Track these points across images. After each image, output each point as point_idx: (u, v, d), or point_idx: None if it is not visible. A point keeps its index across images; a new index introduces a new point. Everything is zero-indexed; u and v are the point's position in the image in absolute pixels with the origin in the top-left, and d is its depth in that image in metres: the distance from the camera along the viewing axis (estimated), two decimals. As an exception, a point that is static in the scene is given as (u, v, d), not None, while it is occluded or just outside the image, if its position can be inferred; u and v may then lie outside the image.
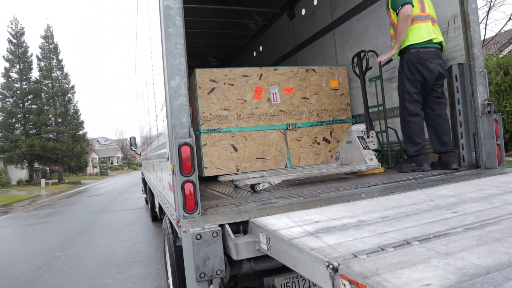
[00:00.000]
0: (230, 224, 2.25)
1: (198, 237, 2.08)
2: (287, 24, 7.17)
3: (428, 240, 1.51)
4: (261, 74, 5.06)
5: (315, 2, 6.19)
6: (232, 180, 3.47)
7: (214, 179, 4.64)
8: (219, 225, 2.20)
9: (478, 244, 1.41)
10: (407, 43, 3.73)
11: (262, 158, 5.02)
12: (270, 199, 2.94)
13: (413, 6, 3.64)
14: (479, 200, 2.16)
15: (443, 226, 1.70)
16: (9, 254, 7.08)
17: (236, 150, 4.91)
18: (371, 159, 3.88)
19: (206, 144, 4.80)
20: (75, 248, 7.07)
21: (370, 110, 4.97)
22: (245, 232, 2.27)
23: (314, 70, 5.28)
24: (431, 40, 3.69)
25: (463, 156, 3.82)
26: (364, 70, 4.50)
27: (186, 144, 2.49)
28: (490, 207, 1.98)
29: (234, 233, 2.25)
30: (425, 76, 3.70)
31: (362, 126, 4.19)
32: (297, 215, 2.21)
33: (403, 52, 3.79)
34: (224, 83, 4.90)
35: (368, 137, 4.20)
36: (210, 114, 4.84)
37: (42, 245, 7.60)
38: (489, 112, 3.58)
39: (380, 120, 4.76)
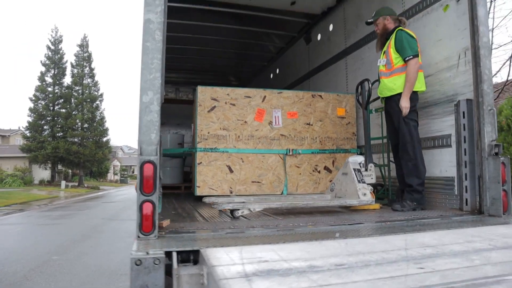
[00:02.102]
0: (180, 252, 2.09)
1: (138, 262, 1.93)
2: (303, 48, 7.08)
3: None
4: (265, 96, 4.95)
5: (331, 28, 6.08)
6: (212, 204, 3.31)
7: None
8: (167, 252, 2.04)
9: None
10: (416, 89, 3.79)
11: (258, 182, 4.84)
12: (242, 227, 2.76)
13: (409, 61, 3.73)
14: (459, 255, 1.91)
15: (397, 285, 1.48)
16: (9, 252, 7.16)
17: (231, 171, 4.76)
18: (365, 194, 3.63)
19: (201, 162, 4.68)
20: (73, 253, 7.07)
21: (373, 142, 4.73)
22: (195, 263, 2.10)
23: (320, 96, 5.11)
24: None
25: (466, 199, 3.51)
26: (367, 99, 4.29)
27: (149, 162, 2.37)
28: (467, 265, 1.74)
29: (184, 262, 2.09)
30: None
31: (360, 158, 3.95)
32: (251, 250, 2.03)
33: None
34: (226, 102, 4.81)
35: (366, 170, 3.95)
36: (208, 133, 4.74)
37: (43, 246, 7.66)
38: (496, 154, 3.28)
39: (384, 153, 4.50)
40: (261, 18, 6.70)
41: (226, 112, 4.80)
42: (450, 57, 3.83)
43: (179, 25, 6.97)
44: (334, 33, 6.00)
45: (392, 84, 3.84)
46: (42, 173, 33.69)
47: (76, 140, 32.94)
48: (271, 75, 8.74)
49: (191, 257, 2.09)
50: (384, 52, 3.98)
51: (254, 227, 2.75)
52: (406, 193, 3.72)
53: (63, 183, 31.01)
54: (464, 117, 3.56)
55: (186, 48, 8.24)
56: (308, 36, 6.83)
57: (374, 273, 1.62)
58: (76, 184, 33.49)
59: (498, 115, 9.40)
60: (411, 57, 3.67)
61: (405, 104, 3.69)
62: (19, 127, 34.89)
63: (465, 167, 3.53)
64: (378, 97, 4.51)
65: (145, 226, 2.33)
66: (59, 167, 34.78)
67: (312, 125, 5.04)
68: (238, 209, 3.23)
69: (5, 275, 5.58)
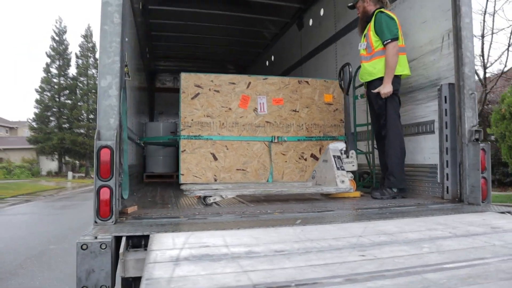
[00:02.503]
0: (131, 237, 2.06)
1: (84, 247, 1.91)
2: (296, 34, 6.95)
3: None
4: (250, 83, 4.87)
5: (322, 13, 5.94)
6: (184, 190, 3.28)
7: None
8: (118, 237, 2.02)
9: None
10: (398, 72, 3.66)
11: (243, 170, 4.80)
12: (207, 213, 2.73)
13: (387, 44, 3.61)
14: (411, 243, 1.84)
15: (326, 272, 1.43)
16: (8, 241, 7.28)
17: (216, 159, 4.72)
18: (343, 182, 3.55)
19: (185, 150, 4.65)
20: (70, 242, 7.13)
21: (360, 129, 4.64)
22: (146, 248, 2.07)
23: (307, 82, 5.01)
24: None
25: (447, 187, 3.42)
26: (348, 84, 4.18)
27: (106, 146, 2.34)
28: (412, 253, 1.68)
29: (136, 247, 2.06)
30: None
31: (341, 145, 3.87)
32: (201, 235, 1.99)
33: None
34: (210, 89, 4.75)
35: (347, 157, 3.87)
36: (192, 120, 4.69)
37: (42, 236, 7.76)
38: (476, 140, 3.17)
39: (369, 140, 4.41)
40: (254, 3, 6.58)
41: (210, 99, 4.74)
42: (434, 40, 3.70)
43: (175, 12, 6.89)
44: (325, 18, 5.86)
45: (372, 68, 3.73)
46: (49, 164, 34.18)
47: (82, 131, 33.23)
48: (267, 63, 8.62)
49: (142, 242, 2.06)
50: (364, 36, 3.87)
51: (220, 214, 2.71)
52: (386, 180, 3.64)
53: (70, 174, 31.41)
54: (446, 102, 3.44)
55: (183, 36, 8.17)
56: (300, 22, 6.69)
57: (310, 260, 1.56)
58: (83, 175, 33.92)
59: (501, 102, 9.16)
60: (389, 40, 3.55)
61: (385, 89, 3.58)
62: (27, 119, 35.21)
63: (447, 154, 3.43)
64: (362, 85, 4.41)
65: (102, 211, 2.31)
66: (66, 158, 35.22)
67: (298, 111, 4.95)
68: (210, 196, 3.20)
69: (2, 263, 5.68)
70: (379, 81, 3.65)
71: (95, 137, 2.36)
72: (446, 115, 3.44)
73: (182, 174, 4.64)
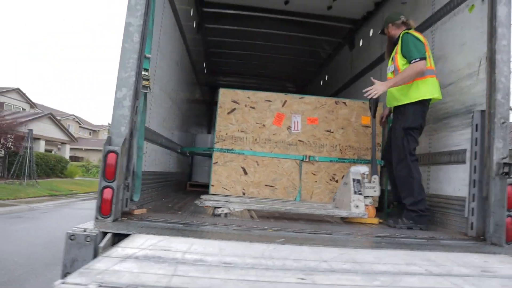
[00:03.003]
0: (117, 234, 2.27)
1: (72, 237, 2.15)
2: (347, 54, 6.86)
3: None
4: (285, 101, 4.95)
5: (371, 33, 5.83)
6: (200, 200, 3.45)
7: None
8: (105, 232, 2.24)
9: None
10: (428, 96, 3.51)
11: (272, 186, 4.86)
12: (204, 223, 2.86)
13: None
14: (367, 274, 1.78)
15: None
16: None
17: (246, 173, 4.85)
18: (357, 206, 3.44)
19: (217, 162, 4.86)
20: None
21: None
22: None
23: (344, 103, 4.95)
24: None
25: (472, 223, 3.12)
26: (374, 107, 4.04)
27: (112, 151, 2.61)
28: (359, 284, 1.62)
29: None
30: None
31: (364, 169, 3.75)
32: (172, 240, 2.15)
33: (417, 103, 3.50)
34: (246, 105, 4.93)
35: (369, 181, 3.73)
36: (226, 134, 4.90)
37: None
38: (505, 174, 2.87)
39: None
40: (308, 23, 6.68)
41: (245, 114, 4.91)
42: (472, 63, 3.44)
43: (231, 31, 7.26)
44: (374, 38, 5.73)
45: (399, 94, 3.59)
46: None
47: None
48: (321, 82, 8.60)
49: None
50: (392, 59, 3.75)
51: (216, 225, 2.82)
52: (404, 210, 3.44)
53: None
54: (477, 130, 3.18)
55: (240, 53, 8.52)
56: (351, 42, 6.61)
57: (246, 275, 1.60)
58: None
59: None
60: (418, 59, 3.38)
61: (380, 87, 3.53)
62: (108, 123, 38.88)
63: (474, 186, 3.14)
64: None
65: (104, 209, 2.56)
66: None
67: (333, 132, 4.89)
68: (219, 207, 3.33)
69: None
70: (404, 107, 3.51)
71: (105, 142, 2.64)
72: (476, 144, 3.17)
73: (212, 185, 4.84)
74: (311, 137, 4.87)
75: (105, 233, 2.25)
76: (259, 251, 2.03)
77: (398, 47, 3.63)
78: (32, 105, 29.66)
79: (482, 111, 3.15)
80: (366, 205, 3.63)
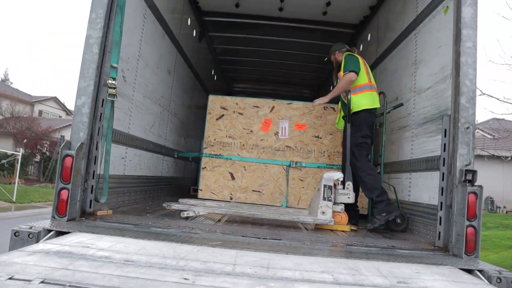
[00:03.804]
0: (62, 232, 2.40)
1: (17, 234, 2.30)
2: (350, 59, 6.75)
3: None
4: (273, 107, 4.97)
5: (369, 38, 5.71)
6: (167, 204, 3.54)
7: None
8: (49, 230, 2.38)
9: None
10: (365, 106, 3.92)
11: (259, 191, 4.88)
12: (158, 224, 2.94)
13: (357, 76, 3.95)
14: (260, 278, 1.77)
15: (123, 282, 1.53)
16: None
17: (233, 178, 4.91)
18: (323, 213, 3.38)
19: (205, 167, 4.96)
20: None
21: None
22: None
23: (333, 108, 4.89)
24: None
25: (439, 233, 2.98)
26: (347, 112, 3.95)
27: (69, 155, 2.76)
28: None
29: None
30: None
31: (338, 175, 3.67)
32: (103, 239, 2.26)
33: (358, 113, 3.93)
34: (234, 111, 5.00)
35: (343, 188, 3.67)
36: (215, 140, 4.99)
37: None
38: (469, 181, 2.73)
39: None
40: (312, 29, 6.66)
41: (233, 120, 4.99)
42: (446, 66, 3.31)
43: (235, 38, 7.36)
44: (370, 43, 5.62)
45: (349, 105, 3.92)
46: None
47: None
48: (331, 88, 8.47)
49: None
50: (337, 77, 4.21)
51: (170, 227, 2.90)
52: (372, 209, 3.45)
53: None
54: (445, 135, 3.05)
55: (248, 60, 8.58)
56: (354, 46, 6.50)
57: (131, 272, 1.66)
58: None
59: None
60: (348, 71, 3.91)
61: (319, 100, 4.22)
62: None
63: (442, 194, 3.01)
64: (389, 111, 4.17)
65: (60, 209, 2.72)
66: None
67: (321, 138, 4.84)
68: (184, 210, 3.40)
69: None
70: (354, 114, 3.91)
71: (62, 146, 2.80)
72: (445, 150, 3.04)
73: (201, 190, 4.94)
74: (298, 142, 4.85)
75: (49, 230, 2.38)
76: (178, 252, 2.08)
77: (342, 68, 4.08)
78: (68, 112, 31.30)
79: (450, 116, 3.02)
80: (337, 212, 3.57)
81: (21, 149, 13.79)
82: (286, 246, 2.59)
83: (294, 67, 8.55)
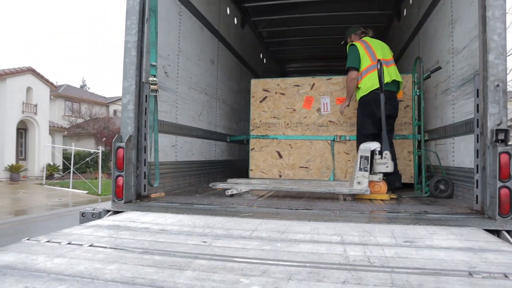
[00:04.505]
0: (118, 212, 2.87)
1: (83, 214, 2.81)
2: (397, 26, 6.46)
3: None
4: (313, 84, 5.05)
5: (411, 1, 5.44)
6: (212, 184, 3.89)
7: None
8: (108, 210, 2.86)
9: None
10: (373, 88, 4.04)
11: (306, 167, 5.04)
12: (202, 202, 3.29)
13: (359, 70, 4.18)
14: (265, 240, 2.00)
15: (147, 244, 1.87)
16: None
17: (281, 156, 5.13)
18: (359, 183, 3.46)
19: (253, 148, 5.24)
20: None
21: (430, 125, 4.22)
22: (124, 221, 2.83)
23: (374, 79, 4.80)
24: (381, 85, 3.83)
25: (477, 196, 2.92)
26: (379, 81, 3.88)
27: (120, 147, 3.22)
28: (250, 247, 1.88)
29: (120, 220, 2.85)
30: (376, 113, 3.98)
31: (375, 145, 3.70)
32: (156, 215, 2.64)
33: (368, 94, 4.10)
34: (276, 92, 5.18)
35: (381, 157, 3.69)
36: (260, 121, 5.23)
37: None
38: (500, 141, 2.64)
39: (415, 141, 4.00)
40: (355, 0, 6.53)
41: (276, 101, 5.17)
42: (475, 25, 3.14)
43: (278, 20, 7.44)
44: (413, 5, 5.35)
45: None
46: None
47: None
48: (382, 57, 8.16)
49: (123, 217, 2.83)
50: None
51: (212, 204, 3.24)
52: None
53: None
54: (478, 96, 2.94)
55: (295, 39, 8.57)
56: (399, 12, 6.22)
57: (165, 238, 1.99)
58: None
59: None
60: (346, 69, 4.23)
61: (343, 106, 4.53)
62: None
63: (477, 157, 2.93)
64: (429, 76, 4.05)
65: (118, 193, 3.20)
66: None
67: (363, 110, 4.81)
68: (229, 189, 3.73)
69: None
70: (363, 96, 4.15)
71: (114, 140, 3.26)
72: (478, 111, 2.93)
73: (251, 170, 5.24)
74: (341, 117, 4.89)
75: (108, 211, 2.86)
76: (208, 223, 2.39)
77: None
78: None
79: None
80: (376, 181, 3.62)
81: (100, 147, 15.41)
82: (314, 215, 2.77)
83: (342, 41, 8.34)
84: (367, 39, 4.34)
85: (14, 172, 17.09)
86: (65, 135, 24.06)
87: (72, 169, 14.92)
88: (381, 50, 4.24)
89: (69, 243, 1.86)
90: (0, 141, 17.72)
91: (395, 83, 4.18)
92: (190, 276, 1.41)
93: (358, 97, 4.24)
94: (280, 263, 1.58)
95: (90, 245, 1.83)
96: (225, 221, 2.46)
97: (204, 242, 1.93)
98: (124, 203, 3.18)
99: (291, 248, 1.82)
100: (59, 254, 1.67)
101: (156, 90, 3.56)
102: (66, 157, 19.83)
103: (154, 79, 3.54)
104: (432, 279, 1.41)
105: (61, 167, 19.45)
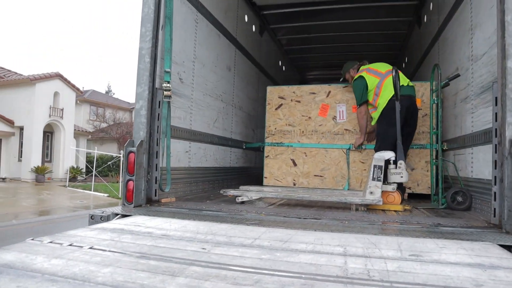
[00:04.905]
0: (126, 215, 2.89)
1: (92, 217, 2.86)
2: (417, 32, 6.32)
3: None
4: (329, 92, 4.99)
5: (431, 7, 5.32)
6: (223, 190, 3.88)
7: None
8: (116, 214, 2.89)
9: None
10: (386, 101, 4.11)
11: (321, 176, 4.97)
12: (211, 208, 3.29)
13: (368, 102, 4.32)
14: (265, 249, 1.97)
15: (146, 249, 1.87)
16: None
17: (295, 164, 5.08)
18: (372, 193, 3.38)
19: (268, 156, 5.22)
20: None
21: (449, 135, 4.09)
22: (132, 225, 2.85)
23: (390, 87, 4.70)
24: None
25: (494, 209, 2.79)
26: (395, 89, 3.78)
27: (132, 152, 3.26)
28: (247, 256, 1.85)
29: (129, 224, 2.88)
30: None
31: (389, 154, 3.61)
32: (160, 220, 2.67)
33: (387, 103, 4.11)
34: (291, 100, 5.15)
35: (396, 167, 3.59)
36: (275, 129, 5.21)
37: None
38: (519, 152, 2.52)
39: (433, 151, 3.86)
40: (375, 7, 6.44)
41: (291, 109, 5.14)
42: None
43: (298, 28, 7.44)
44: (433, 12, 5.23)
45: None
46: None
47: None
48: (403, 65, 8.01)
49: (131, 221, 2.86)
50: None
51: (221, 210, 3.23)
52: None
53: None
54: (496, 104, 2.82)
55: (315, 47, 8.54)
56: (419, 19, 6.09)
57: (166, 243, 1.99)
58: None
59: None
60: (358, 106, 4.38)
61: (358, 142, 4.68)
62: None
63: (495, 168, 2.80)
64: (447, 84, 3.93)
65: (128, 197, 3.24)
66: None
67: (380, 118, 4.71)
68: (239, 196, 3.71)
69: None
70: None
71: (126, 144, 3.30)
72: (496, 120, 2.81)
73: (265, 177, 5.21)
74: (357, 125, 4.80)
75: (117, 214, 2.89)
76: (212, 229, 2.37)
77: None
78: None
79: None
80: (389, 191, 3.53)
81: (122, 151, 15.74)
82: (321, 224, 2.71)
83: (363, 48, 8.27)
84: (365, 66, 4.45)
85: (40, 173, 17.67)
86: (89, 139, 24.74)
87: (94, 172, 15.28)
88: (382, 65, 4.37)
89: (70, 245, 1.88)
90: (27, 143, 18.38)
91: (411, 88, 4.16)
92: (181, 283, 1.40)
93: (378, 114, 4.22)
94: (276, 273, 1.54)
95: (90, 248, 1.84)
96: (229, 228, 2.44)
97: (203, 248, 1.91)
98: (134, 207, 3.21)
99: (290, 258, 1.78)
100: (58, 255, 1.69)
101: (169, 96, 3.60)
102: (89, 160, 20.37)
103: (168, 85, 3.58)
104: (432, 295, 1.34)
105: (84, 170, 19.98)
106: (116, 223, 2.52)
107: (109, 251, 1.80)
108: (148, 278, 1.44)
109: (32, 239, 1.95)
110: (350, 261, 1.75)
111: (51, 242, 1.94)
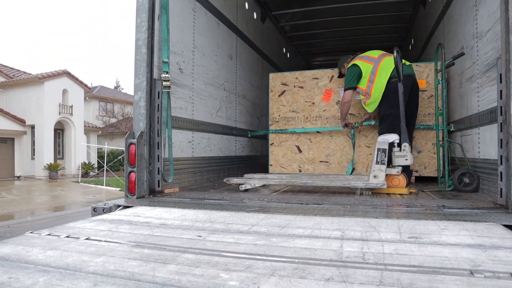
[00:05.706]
0: (127, 206, 2.91)
1: (95, 209, 2.87)
2: (422, 13, 6.16)
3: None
4: (332, 76, 4.91)
5: (436, -16, 5.16)
6: (226, 179, 3.87)
7: None
8: (118, 205, 2.91)
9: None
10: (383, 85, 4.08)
11: (326, 162, 4.92)
12: (213, 197, 3.28)
13: (355, 89, 4.27)
14: (261, 235, 1.95)
15: (142, 238, 1.87)
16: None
17: (300, 151, 5.04)
18: (375, 176, 3.32)
19: (273, 143, 5.18)
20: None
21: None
22: (134, 216, 2.86)
23: (394, 69, 4.60)
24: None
25: (501, 189, 2.71)
26: (399, 70, 3.68)
27: (132, 143, 3.26)
28: (243, 242, 1.85)
29: (131, 215, 2.89)
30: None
31: (393, 137, 3.53)
32: (161, 210, 2.65)
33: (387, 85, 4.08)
34: (294, 86, 5.09)
35: (400, 150, 3.52)
36: (279, 116, 5.16)
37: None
38: (525, 130, 2.44)
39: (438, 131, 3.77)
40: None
41: (294, 95, 5.08)
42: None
43: (299, 13, 7.32)
44: (438, -11, 5.07)
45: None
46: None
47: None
48: (410, 47, 7.83)
49: (133, 212, 2.87)
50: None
51: (223, 199, 3.22)
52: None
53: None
54: (501, 81, 2.73)
55: (319, 32, 8.40)
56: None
57: (163, 232, 1.99)
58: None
59: None
60: (344, 89, 4.33)
61: (341, 123, 4.62)
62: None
63: (501, 147, 2.72)
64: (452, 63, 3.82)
65: (130, 189, 3.25)
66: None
67: (384, 101, 4.63)
68: (242, 184, 3.69)
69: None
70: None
71: (126, 136, 3.31)
72: (501, 98, 2.73)
73: (271, 165, 5.19)
74: (361, 109, 4.73)
75: (119, 206, 2.91)
76: (211, 217, 2.36)
77: None
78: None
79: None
80: (394, 175, 3.47)
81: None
82: (322, 209, 2.68)
83: (368, 31, 8.11)
84: (358, 56, 4.45)
85: (53, 170, 17.96)
86: (100, 134, 25.01)
87: (105, 167, 15.46)
88: (374, 52, 4.38)
89: (67, 236, 1.89)
90: (39, 141, 18.66)
91: (409, 66, 4.13)
92: (171, 270, 1.39)
93: (376, 99, 4.15)
94: (268, 258, 1.52)
95: (87, 238, 1.85)
96: (228, 216, 2.43)
97: (199, 236, 1.90)
98: (137, 198, 3.22)
99: (285, 243, 1.76)
100: (53, 247, 1.70)
101: (168, 87, 3.58)
102: (100, 155, 20.62)
103: (167, 75, 3.56)
104: (426, 277, 1.30)
105: (95, 165, 20.25)
106: (116, 214, 2.54)
107: (105, 241, 1.81)
108: (139, 266, 1.43)
109: (31, 232, 1.97)
110: (346, 244, 1.72)
111: (49, 234, 1.95)
